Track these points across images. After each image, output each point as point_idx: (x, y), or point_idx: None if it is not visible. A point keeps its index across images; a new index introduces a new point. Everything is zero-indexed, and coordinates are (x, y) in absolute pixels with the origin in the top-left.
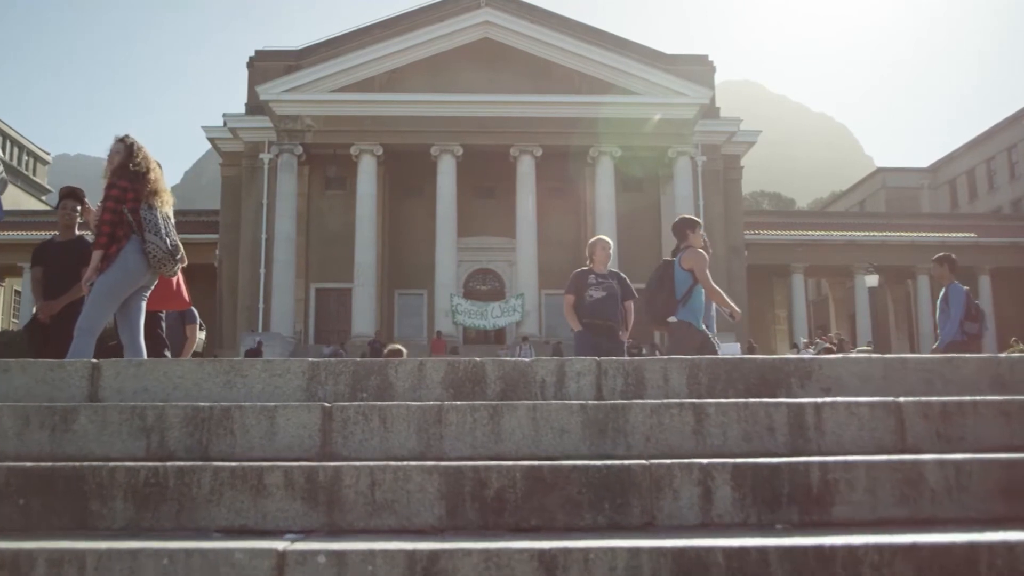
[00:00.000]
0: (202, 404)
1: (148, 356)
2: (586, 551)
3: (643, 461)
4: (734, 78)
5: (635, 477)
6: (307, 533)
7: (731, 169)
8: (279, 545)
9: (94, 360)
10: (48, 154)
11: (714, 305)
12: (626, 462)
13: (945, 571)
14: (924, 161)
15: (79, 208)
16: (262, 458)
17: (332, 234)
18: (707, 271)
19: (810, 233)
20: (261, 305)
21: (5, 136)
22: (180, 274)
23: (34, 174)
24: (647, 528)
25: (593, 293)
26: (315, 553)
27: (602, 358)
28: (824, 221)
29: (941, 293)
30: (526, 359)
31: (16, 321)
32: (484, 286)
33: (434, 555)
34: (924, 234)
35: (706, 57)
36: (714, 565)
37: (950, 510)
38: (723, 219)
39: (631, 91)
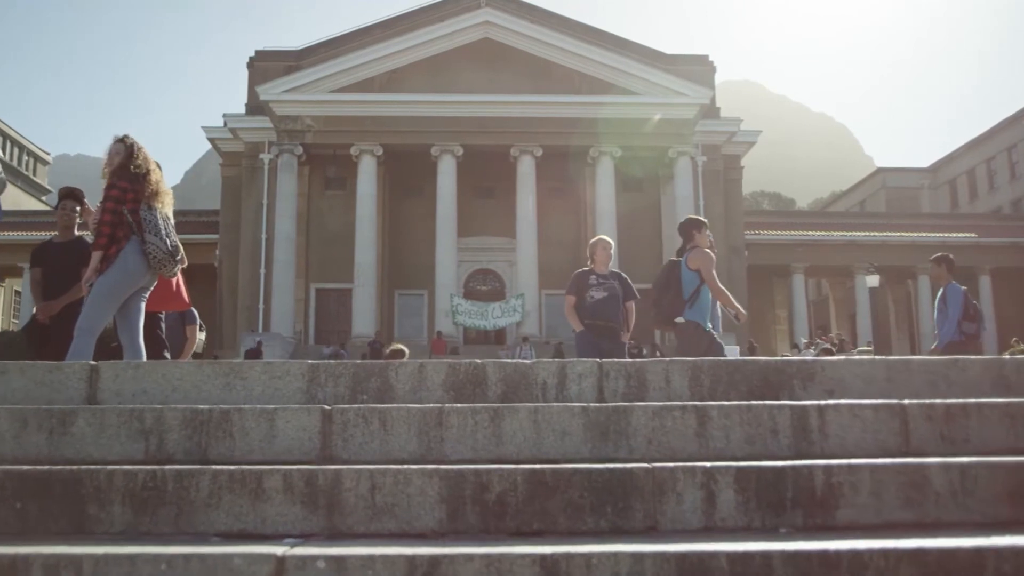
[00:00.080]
0: (201, 407)
1: (147, 357)
2: (588, 556)
3: (646, 464)
4: (734, 78)
5: (638, 481)
6: (307, 537)
7: (731, 169)
8: (278, 550)
9: (92, 362)
10: (48, 154)
11: (719, 305)
12: (628, 465)
13: None
14: (924, 161)
15: (78, 209)
16: (261, 461)
17: (332, 234)
18: (714, 271)
19: (810, 233)
20: (261, 305)
21: (5, 136)
22: (180, 275)
23: (34, 174)
24: (650, 532)
25: (594, 294)
26: (314, 558)
27: (604, 360)
28: (824, 221)
29: (939, 293)
30: (527, 360)
31: (16, 321)
32: (484, 286)
33: (435, 560)
34: (924, 234)
35: (706, 57)
36: (718, 570)
37: (955, 514)
38: (723, 219)
39: (631, 91)
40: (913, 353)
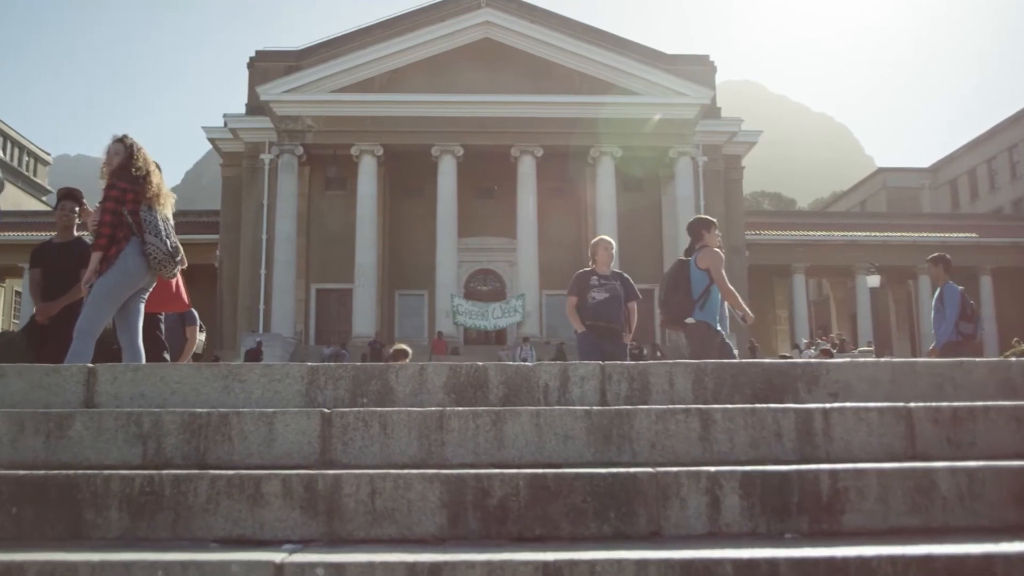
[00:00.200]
0: (199, 410)
1: (147, 358)
2: (592, 563)
3: (649, 469)
4: (734, 78)
5: (641, 485)
6: (306, 543)
7: (732, 169)
8: (276, 557)
9: (90, 365)
10: (49, 155)
11: (726, 305)
12: (632, 470)
13: None
14: (925, 161)
15: (77, 209)
16: (260, 465)
17: (332, 234)
18: (723, 271)
19: (811, 233)
20: (262, 306)
21: (5, 136)
22: (179, 276)
23: (35, 175)
24: (653, 538)
25: (596, 295)
26: (313, 565)
27: (606, 362)
28: (825, 221)
29: (936, 293)
30: (527, 360)
31: (16, 322)
32: (485, 286)
33: (436, 567)
34: (925, 234)
35: (707, 57)
36: None
37: (963, 518)
38: (724, 219)
39: (632, 91)
40: (914, 353)
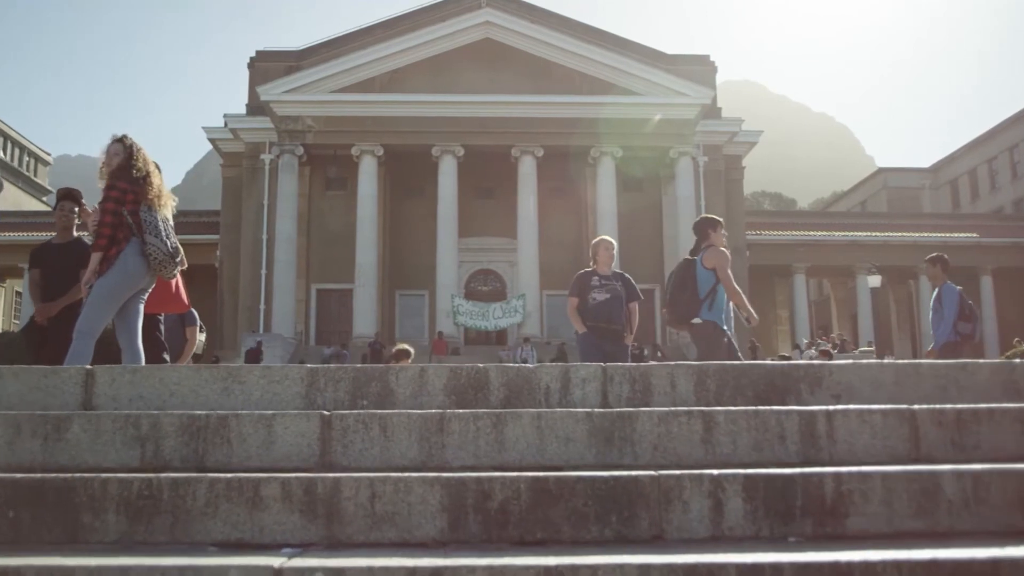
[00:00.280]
0: (198, 412)
1: (147, 359)
2: (594, 568)
3: (652, 472)
4: (734, 78)
5: (643, 489)
6: (305, 547)
7: (732, 169)
8: (275, 562)
9: (88, 367)
10: (49, 155)
11: (731, 305)
12: (634, 473)
13: None
14: (925, 161)
15: (76, 209)
16: (259, 468)
17: (333, 235)
18: (729, 270)
19: (812, 233)
20: (262, 306)
21: (6, 137)
22: (179, 276)
23: (35, 175)
24: (656, 542)
25: (596, 296)
26: (312, 570)
27: (608, 364)
28: (826, 221)
29: (934, 293)
30: (528, 360)
31: (17, 322)
32: (485, 287)
33: (436, 572)
34: (926, 234)
35: (707, 57)
36: None
37: (968, 522)
38: (725, 220)
39: (632, 91)
40: (915, 353)
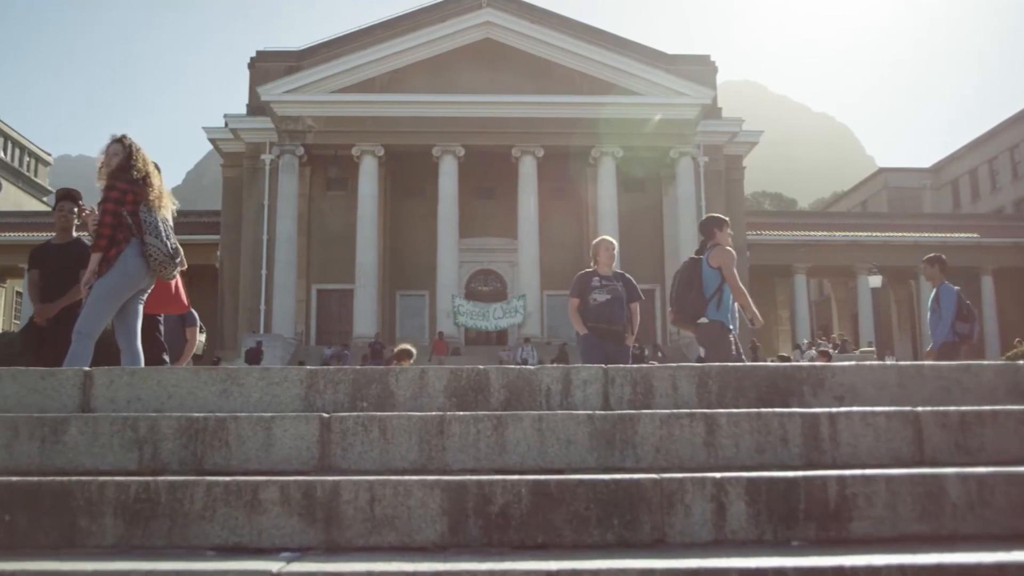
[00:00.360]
0: (196, 415)
1: (146, 360)
2: (595, 572)
3: (654, 475)
4: (735, 78)
5: (645, 492)
6: (304, 551)
7: (733, 169)
8: (274, 566)
9: (86, 368)
10: (49, 155)
11: (736, 305)
12: (635, 476)
13: None
14: (926, 161)
15: (75, 210)
16: (258, 471)
17: (333, 235)
18: (735, 270)
19: (812, 233)
20: (262, 306)
21: (6, 137)
22: (179, 277)
23: (35, 175)
24: (657, 545)
25: (597, 296)
26: (311, 575)
27: (609, 366)
28: (826, 221)
29: (931, 294)
30: (528, 360)
31: (17, 322)
32: (486, 287)
33: None
34: (926, 234)
35: (708, 57)
36: None
37: (973, 526)
38: None
39: (633, 91)
40: (915, 353)
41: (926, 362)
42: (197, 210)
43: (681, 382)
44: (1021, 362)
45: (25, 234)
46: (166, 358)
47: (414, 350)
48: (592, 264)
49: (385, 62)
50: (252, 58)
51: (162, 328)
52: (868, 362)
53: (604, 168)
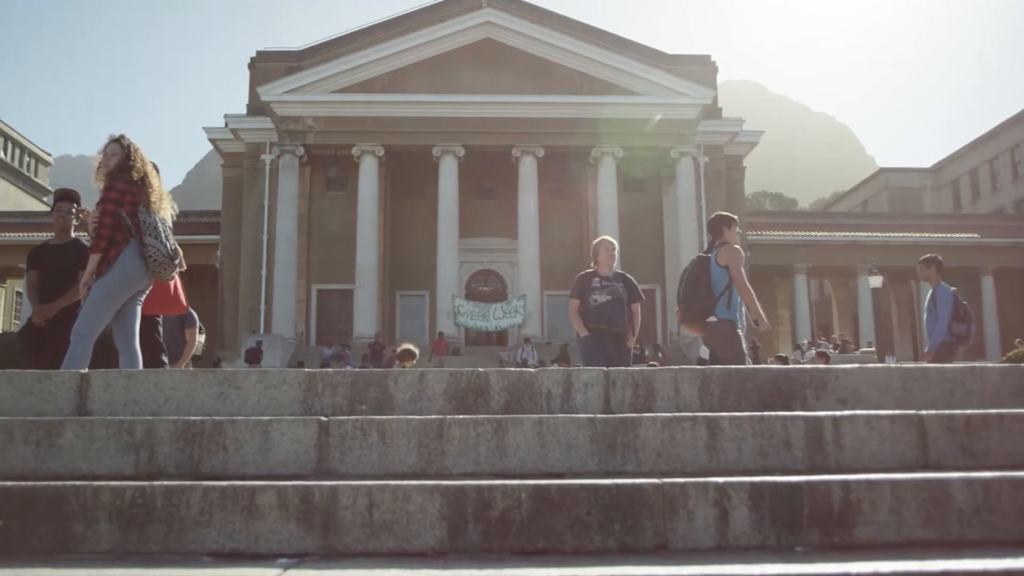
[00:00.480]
0: (193, 418)
1: (145, 361)
2: None
3: (655, 480)
4: (735, 78)
5: (647, 497)
6: (301, 557)
7: (733, 170)
8: (271, 573)
9: (83, 371)
10: (50, 155)
11: (742, 305)
12: (637, 481)
13: None
14: (926, 161)
15: (74, 210)
16: (255, 475)
17: (333, 235)
18: (742, 269)
19: (813, 234)
20: (263, 306)
21: (6, 137)
22: (177, 278)
23: (35, 175)
24: (660, 552)
25: (597, 297)
26: None
27: (610, 368)
28: (827, 222)
29: (928, 295)
30: (529, 361)
31: (17, 322)
32: (486, 287)
33: None
34: (927, 235)
35: (708, 57)
36: None
37: (978, 531)
38: None
39: (633, 91)
40: (915, 353)
41: (930, 364)
42: (197, 210)
43: (683, 385)
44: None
45: (25, 234)
46: (165, 359)
47: (417, 350)
48: (592, 264)
49: (385, 62)
50: (252, 58)
51: (161, 329)
52: (871, 364)
53: (604, 168)
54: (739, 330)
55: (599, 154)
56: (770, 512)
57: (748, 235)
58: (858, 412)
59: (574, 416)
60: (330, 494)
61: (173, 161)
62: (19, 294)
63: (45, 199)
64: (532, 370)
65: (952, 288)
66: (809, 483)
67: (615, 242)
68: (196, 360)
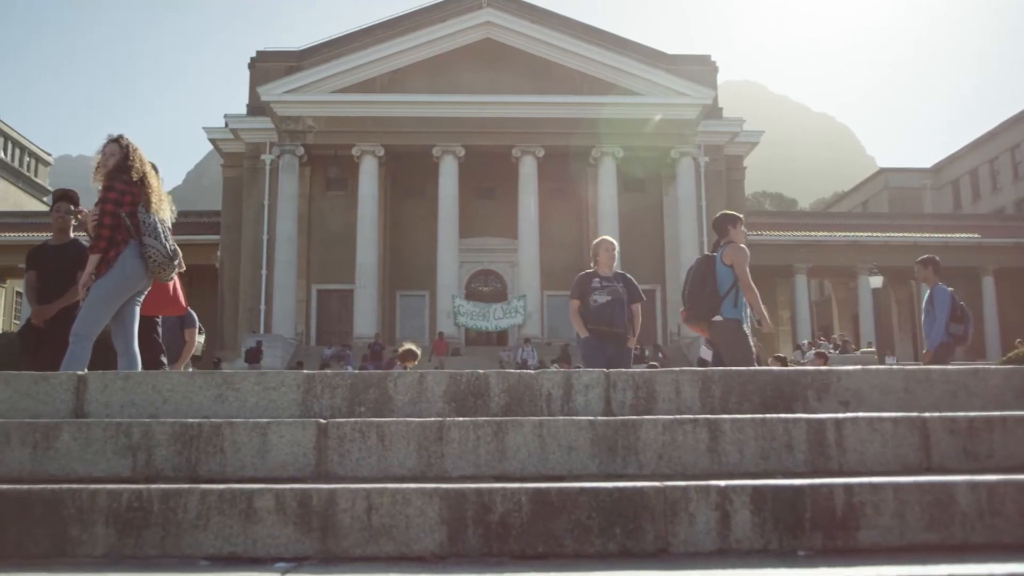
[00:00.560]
0: (191, 420)
1: (144, 362)
2: None
3: (656, 483)
4: (735, 78)
5: (648, 500)
6: (300, 561)
7: (733, 170)
8: None
9: (80, 373)
10: (50, 155)
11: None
12: (638, 484)
13: None
14: (926, 161)
15: (72, 210)
16: (254, 478)
17: (333, 235)
18: (747, 268)
19: (813, 234)
20: (263, 306)
21: (6, 137)
22: (176, 278)
23: (35, 175)
24: (661, 555)
25: (597, 298)
26: None
27: (611, 370)
28: (827, 222)
29: (925, 295)
30: (529, 361)
31: (17, 322)
32: (486, 287)
33: None
34: (927, 235)
35: (708, 57)
36: None
37: (982, 535)
38: None
39: (633, 91)
40: (916, 353)
41: (932, 366)
42: (197, 210)
43: (684, 386)
44: None
45: (25, 234)
46: (164, 360)
47: (419, 351)
48: (592, 265)
49: (385, 62)
50: (252, 58)
51: (160, 330)
52: (873, 366)
53: (604, 168)
54: (745, 328)
55: (599, 154)
56: (772, 515)
57: (748, 235)
58: (860, 414)
59: (574, 418)
60: (328, 497)
61: (173, 161)
62: (19, 294)
63: (45, 199)
64: (532, 372)
65: (950, 289)
66: (811, 486)
67: (615, 242)
68: (196, 360)
